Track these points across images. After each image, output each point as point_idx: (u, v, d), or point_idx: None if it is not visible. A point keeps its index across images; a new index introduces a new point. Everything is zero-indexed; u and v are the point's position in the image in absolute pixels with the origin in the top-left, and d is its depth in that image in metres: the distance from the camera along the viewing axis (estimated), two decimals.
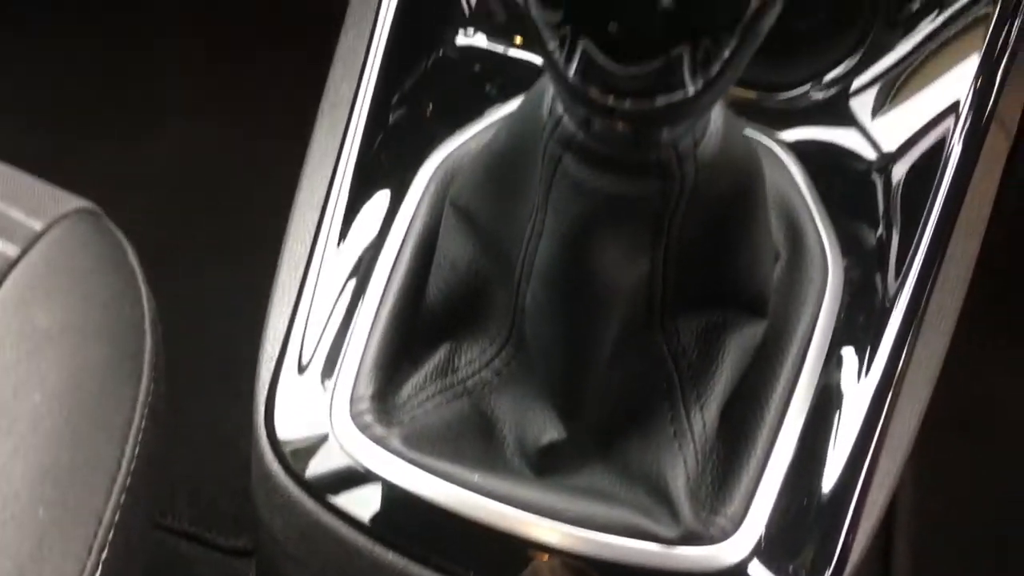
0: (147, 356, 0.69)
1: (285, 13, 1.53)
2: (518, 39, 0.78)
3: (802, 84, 0.76)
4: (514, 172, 0.57)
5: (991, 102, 0.73)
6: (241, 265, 1.04)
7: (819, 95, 0.74)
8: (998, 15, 0.71)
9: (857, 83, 0.74)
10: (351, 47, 0.82)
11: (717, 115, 0.52)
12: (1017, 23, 0.72)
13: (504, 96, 0.76)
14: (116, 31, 1.57)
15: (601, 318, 0.58)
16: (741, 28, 0.41)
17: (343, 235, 0.73)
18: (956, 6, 0.72)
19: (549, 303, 0.59)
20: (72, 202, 0.77)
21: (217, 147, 1.49)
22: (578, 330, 0.59)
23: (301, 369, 0.69)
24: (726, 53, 0.42)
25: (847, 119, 0.73)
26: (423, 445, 0.64)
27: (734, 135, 0.54)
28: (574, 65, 0.44)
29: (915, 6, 0.73)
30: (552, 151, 0.52)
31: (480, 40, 0.78)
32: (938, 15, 0.73)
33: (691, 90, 0.43)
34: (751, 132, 0.75)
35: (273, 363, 0.69)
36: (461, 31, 0.78)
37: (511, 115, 0.58)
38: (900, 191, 0.72)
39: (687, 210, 0.54)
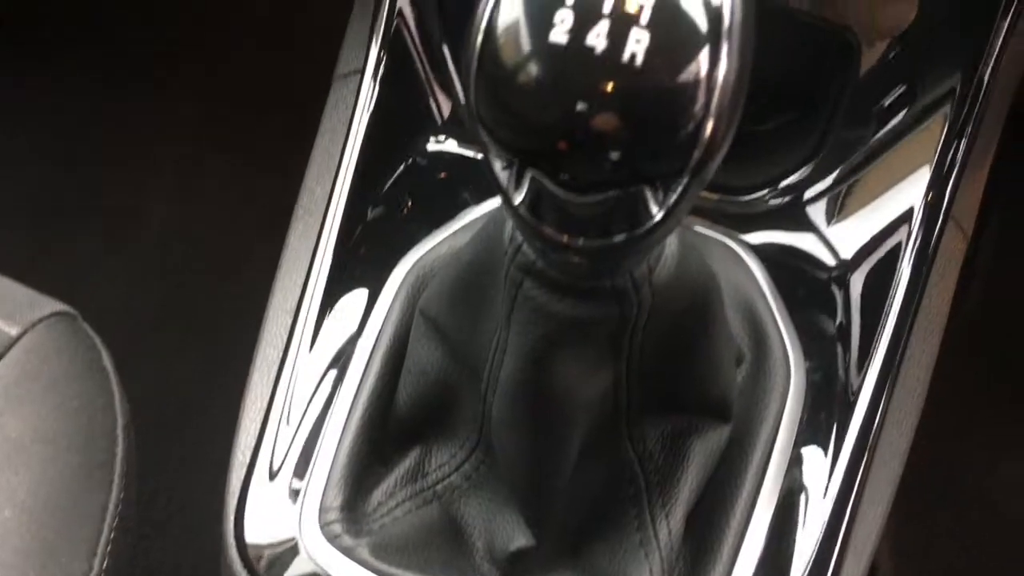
0: (118, 464, 0.69)
1: (265, 104, 1.56)
2: None
3: (761, 188, 0.78)
4: (479, 289, 0.59)
5: (945, 203, 0.75)
6: (218, 365, 1.05)
7: (777, 200, 0.76)
8: (951, 120, 0.74)
9: (814, 190, 0.76)
10: (326, 150, 0.84)
11: (672, 239, 0.54)
12: (969, 128, 0.74)
13: (475, 200, 0.78)
14: (92, 121, 1.59)
15: (566, 431, 0.60)
16: (688, 172, 0.43)
17: (315, 340, 0.74)
18: (910, 112, 0.75)
19: (513, 416, 0.60)
20: (48, 306, 0.78)
21: (196, 238, 1.51)
22: (543, 442, 0.60)
23: (272, 475, 0.70)
24: (673, 196, 0.44)
25: (805, 224, 0.75)
26: (392, 555, 0.64)
27: (689, 255, 0.56)
28: (523, 195, 0.46)
29: (871, 114, 0.75)
30: (513, 276, 0.53)
31: (451, 146, 0.80)
32: (893, 122, 0.75)
33: (641, 230, 0.45)
34: (714, 233, 0.77)
35: (244, 470, 0.70)
36: (433, 137, 0.80)
37: (476, 234, 0.60)
38: (859, 294, 0.74)
39: (646, 328, 0.55)
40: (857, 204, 0.75)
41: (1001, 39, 0.72)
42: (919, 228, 0.74)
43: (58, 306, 0.79)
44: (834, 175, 0.76)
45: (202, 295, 1.43)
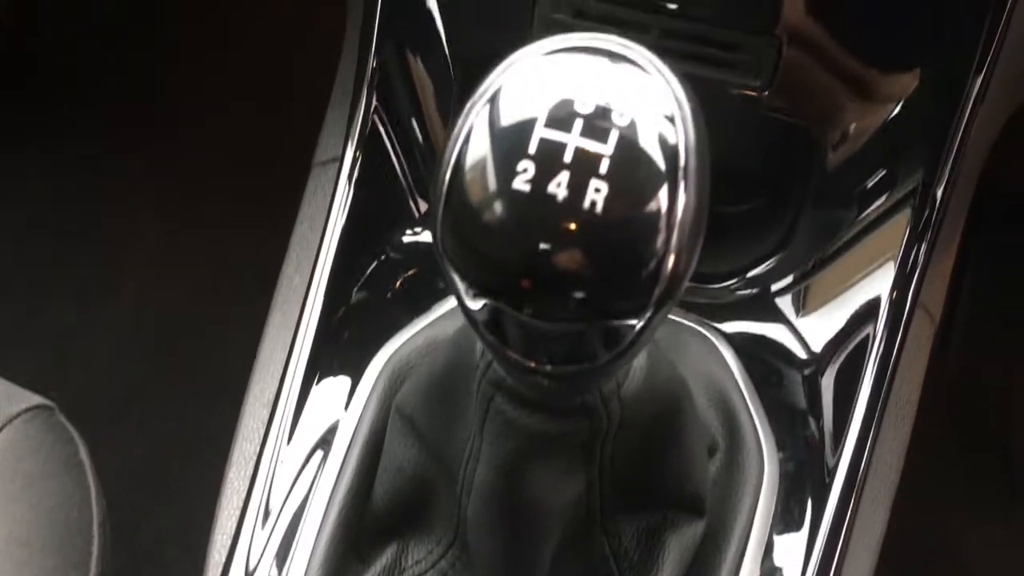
0: (93, 564, 0.69)
1: (244, 181, 1.57)
2: None
3: (730, 277, 0.79)
4: (453, 394, 0.59)
5: (911, 292, 0.77)
6: (194, 443, 1.04)
7: (746, 291, 0.78)
8: (915, 211, 0.76)
9: (783, 282, 0.77)
10: (304, 237, 0.84)
11: (640, 353, 0.55)
12: (934, 219, 0.76)
13: (450, 291, 0.79)
14: (69, 196, 1.59)
15: (539, 535, 0.60)
16: (652, 306, 0.44)
17: (292, 435, 0.75)
18: (877, 204, 0.77)
19: (488, 521, 0.60)
20: (25, 400, 0.78)
21: (172, 313, 1.50)
22: (517, 546, 0.61)
23: (248, 574, 0.70)
24: (638, 326, 0.45)
25: (776, 315, 0.77)
26: None
27: (657, 366, 0.57)
28: (488, 320, 0.47)
29: (838, 206, 0.77)
30: (485, 390, 0.54)
31: (428, 237, 0.81)
32: (859, 214, 0.77)
33: (606, 358, 0.46)
34: (688, 322, 0.78)
35: (220, 570, 0.70)
36: (409, 229, 0.81)
37: (451, 340, 0.61)
38: (831, 383, 0.75)
39: (617, 438, 0.56)
40: (826, 294, 0.77)
41: (960, 136, 0.74)
42: (888, 317, 0.75)
43: (35, 399, 0.79)
44: (803, 266, 0.77)
45: (179, 371, 1.43)
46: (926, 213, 0.75)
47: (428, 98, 0.82)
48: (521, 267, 0.43)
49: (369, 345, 0.76)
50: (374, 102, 0.81)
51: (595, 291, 0.43)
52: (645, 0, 0.74)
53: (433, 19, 0.79)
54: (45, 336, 1.45)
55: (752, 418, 0.73)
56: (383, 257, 0.80)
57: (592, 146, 0.42)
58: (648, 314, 0.44)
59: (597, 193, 0.42)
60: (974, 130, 0.76)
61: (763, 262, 0.79)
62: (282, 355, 0.78)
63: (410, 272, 0.80)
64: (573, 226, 0.42)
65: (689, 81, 0.45)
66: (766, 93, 0.74)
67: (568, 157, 0.42)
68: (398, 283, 0.80)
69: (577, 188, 0.42)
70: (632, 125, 0.43)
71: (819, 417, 0.74)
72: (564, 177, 0.42)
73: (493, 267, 0.44)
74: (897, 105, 0.74)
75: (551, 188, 0.42)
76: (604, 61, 0.44)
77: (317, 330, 0.78)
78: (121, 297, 1.49)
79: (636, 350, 0.46)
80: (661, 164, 0.43)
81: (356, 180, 0.80)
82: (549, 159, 0.42)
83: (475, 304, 0.46)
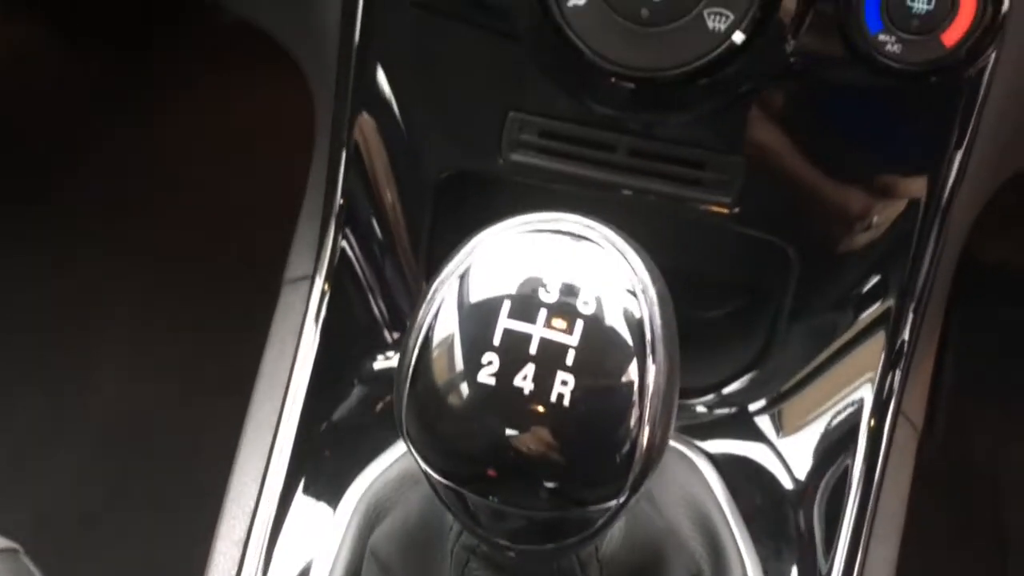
0: None
1: (218, 271, 1.56)
2: None
3: (707, 392, 0.78)
4: (427, 551, 0.58)
5: (893, 405, 0.76)
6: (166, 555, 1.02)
7: (725, 410, 0.77)
8: (891, 326, 0.75)
9: (761, 400, 0.76)
10: (275, 361, 0.83)
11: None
12: (907, 335, 0.75)
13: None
14: (34, 302, 1.58)
15: None
16: (627, 490, 0.43)
17: (265, 572, 0.72)
18: (853, 319, 0.76)
19: None
20: None
21: (143, 420, 1.48)
22: None
23: None
24: (613, 508, 0.44)
25: (757, 435, 0.76)
26: None
27: (635, 523, 0.55)
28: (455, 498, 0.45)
29: (813, 321, 0.77)
30: (459, 554, 0.52)
31: None
32: (835, 330, 0.76)
33: (578, 537, 0.44)
34: (671, 442, 0.77)
35: None
36: (382, 355, 0.80)
37: (422, 494, 0.59)
38: (816, 505, 0.74)
39: None
40: (806, 414, 0.76)
41: (933, 246, 0.74)
42: (869, 435, 0.74)
43: (1, 542, 0.76)
44: (782, 384, 0.76)
45: (149, 482, 1.40)
46: (904, 329, 0.74)
47: (397, 218, 0.81)
48: (487, 457, 0.42)
49: (342, 477, 0.74)
50: (344, 223, 0.81)
51: (566, 481, 0.42)
52: (610, 120, 0.74)
53: (402, 139, 0.79)
54: (13, 441, 1.42)
55: (737, 543, 0.71)
56: (355, 385, 0.79)
57: (557, 337, 0.41)
58: (624, 496, 0.43)
59: (564, 386, 0.41)
60: (948, 235, 0.76)
61: (741, 376, 0.78)
62: (253, 488, 0.76)
63: (383, 399, 0.78)
64: (540, 417, 0.41)
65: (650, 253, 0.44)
66: (736, 209, 0.74)
67: (533, 349, 0.41)
68: (372, 410, 0.78)
69: (543, 381, 0.41)
70: (596, 310, 0.42)
71: (805, 540, 0.72)
72: (530, 370, 0.41)
73: (458, 457, 0.43)
74: (869, 219, 0.73)
75: (517, 381, 0.41)
76: (566, 240, 0.44)
77: (289, 463, 0.76)
78: (91, 404, 1.47)
79: (610, 528, 0.45)
80: (628, 341, 0.42)
81: (327, 304, 0.79)
82: (514, 352, 0.41)
83: (441, 482, 0.45)
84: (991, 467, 1.39)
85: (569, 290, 0.42)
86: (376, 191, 0.80)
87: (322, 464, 0.76)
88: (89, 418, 1.47)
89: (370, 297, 0.80)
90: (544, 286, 0.42)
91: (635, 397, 0.42)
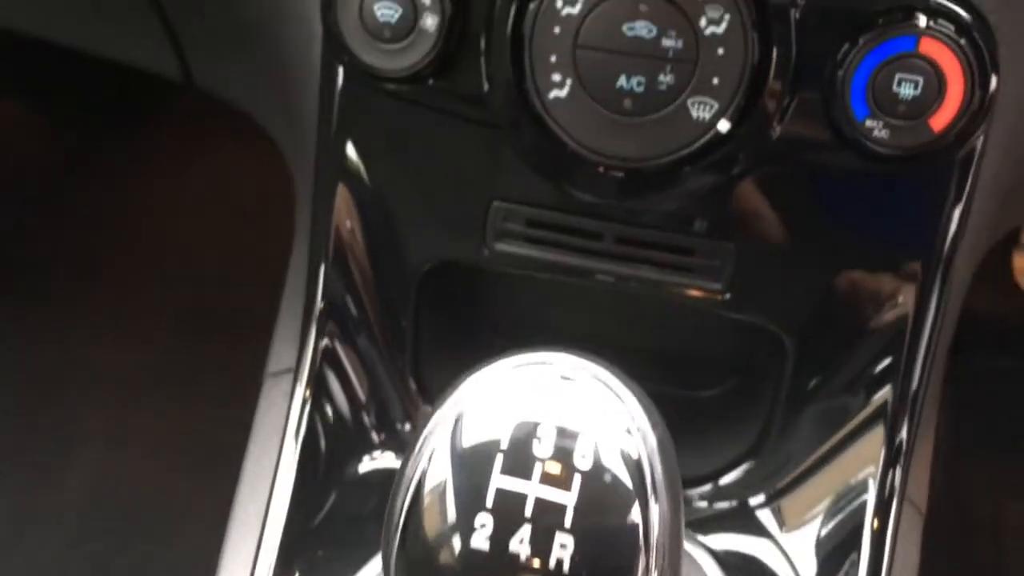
0: None
1: (201, 347, 1.54)
2: None
3: (706, 481, 0.76)
4: None
5: (896, 495, 0.74)
6: None
7: (726, 503, 0.75)
8: (890, 416, 0.73)
9: (762, 494, 0.74)
10: (259, 461, 0.81)
11: None
12: (906, 421, 0.73)
13: None
14: (27, 370, 1.55)
15: None
16: None
17: None
18: (852, 408, 0.74)
19: None
20: None
21: (130, 480, 1.46)
22: None
23: None
24: None
25: (759, 529, 0.73)
26: None
27: None
28: None
29: (810, 405, 0.75)
30: None
31: (388, 459, 0.78)
32: (835, 417, 0.75)
33: None
34: None
35: None
36: (368, 457, 0.77)
37: None
38: None
39: None
40: (809, 508, 0.74)
41: (931, 328, 0.72)
42: (874, 526, 0.72)
43: None
44: (782, 477, 0.74)
45: (132, 564, 1.37)
46: (903, 422, 0.72)
47: (381, 312, 0.79)
48: None
49: None
50: (326, 319, 0.79)
51: None
52: (596, 208, 0.73)
53: (384, 230, 0.77)
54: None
55: None
56: (340, 487, 0.76)
57: (553, 495, 0.39)
58: None
59: (563, 549, 0.38)
60: (947, 314, 0.74)
61: (739, 465, 0.76)
62: None
63: (369, 502, 0.76)
64: None
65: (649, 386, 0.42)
66: (727, 296, 0.73)
67: (529, 510, 0.39)
68: (356, 516, 0.76)
69: (541, 545, 0.39)
70: (594, 463, 0.40)
71: None
72: (526, 533, 0.39)
73: None
74: (865, 305, 0.72)
75: (513, 546, 0.39)
76: (558, 383, 0.42)
77: (274, 572, 0.73)
78: (68, 485, 1.44)
79: None
80: (629, 494, 0.40)
81: (311, 404, 0.77)
82: (508, 513, 0.39)
83: None
84: (993, 524, 1.36)
85: (564, 441, 0.40)
86: (358, 284, 0.78)
87: (311, 571, 0.74)
88: (70, 498, 1.44)
89: (354, 395, 0.78)
90: (538, 437, 0.40)
91: (640, 554, 0.40)
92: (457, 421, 0.41)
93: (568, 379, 0.42)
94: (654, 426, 0.42)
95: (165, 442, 1.47)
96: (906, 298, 0.72)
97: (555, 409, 0.40)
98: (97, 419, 1.52)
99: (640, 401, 0.42)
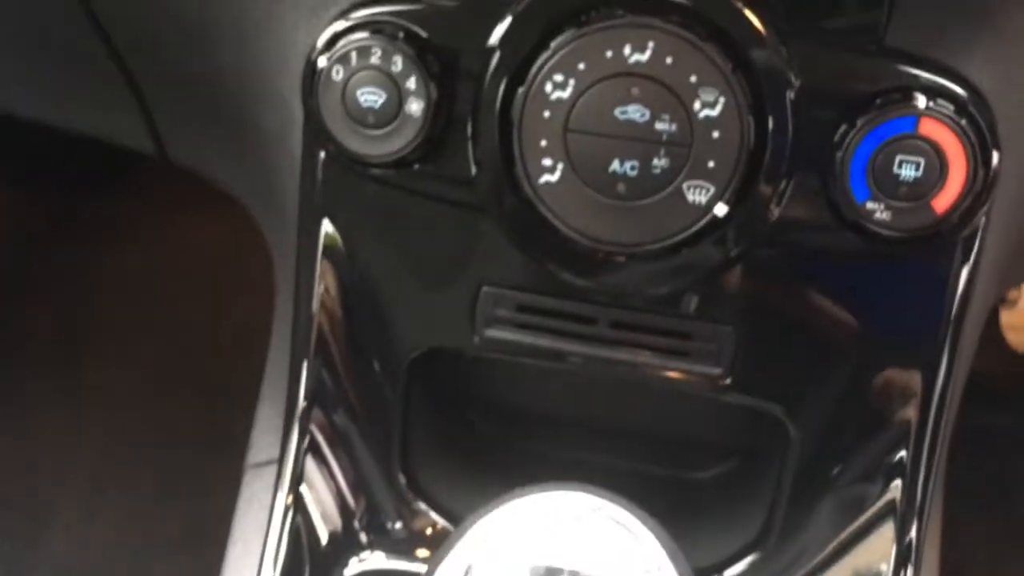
0: None
1: (175, 424, 1.50)
2: (419, 552, 0.75)
3: (709, 573, 0.73)
4: None
5: None
6: None
7: None
8: (905, 501, 0.70)
9: None
10: (240, 561, 0.77)
11: None
12: (916, 522, 0.71)
13: None
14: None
15: None
16: None
17: None
18: (859, 501, 0.71)
19: None
20: None
21: (102, 560, 1.41)
22: None
23: None
24: None
25: None
26: None
27: None
28: None
29: (817, 496, 0.72)
30: None
31: (376, 565, 0.74)
32: (842, 509, 0.72)
33: None
34: None
35: None
36: (355, 559, 0.74)
37: None
38: None
39: None
40: None
41: (933, 418, 0.70)
42: None
43: None
44: (791, 574, 0.71)
45: None
46: (912, 521, 0.69)
47: (368, 403, 0.76)
48: None
49: None
50: (311, 412, 0.75)
51: None
52: (590, 292, 0.70)
53: (370, 317, 0.74)
54: None
55: None
56: None
57: None
58: None
59: None
60: (955, 393, 0.72)
61: (744, 557, 0.73)
62: None
63: None
64: None
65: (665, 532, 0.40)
66: (727, 380, 0.70)
67: None
68: None
69: None
70: None
71: None
72: None
73: None
74: (870, 388, 0.69)
75: None
76: (573, 527, 0.39)
77: None
78: (47, 540, 1.39)
79: None
80: None
81: (294, 507, 0.73)
82: None
83: None
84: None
85: None
86: (342, 375, 0.75)
87: None
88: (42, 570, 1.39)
89: (341, 494, 0.75)
90: None
91: None
92: (467, 574, 0.38)
93: (584, 520, 0.39)
94: (678, 566, 0.39)
95: (138, 522, 1.43)
96: (913, 381, 0.69)
97: (571, 557, 0.37)
98: (68, 498, 1.47)
99: (662, 542, 0.39)
